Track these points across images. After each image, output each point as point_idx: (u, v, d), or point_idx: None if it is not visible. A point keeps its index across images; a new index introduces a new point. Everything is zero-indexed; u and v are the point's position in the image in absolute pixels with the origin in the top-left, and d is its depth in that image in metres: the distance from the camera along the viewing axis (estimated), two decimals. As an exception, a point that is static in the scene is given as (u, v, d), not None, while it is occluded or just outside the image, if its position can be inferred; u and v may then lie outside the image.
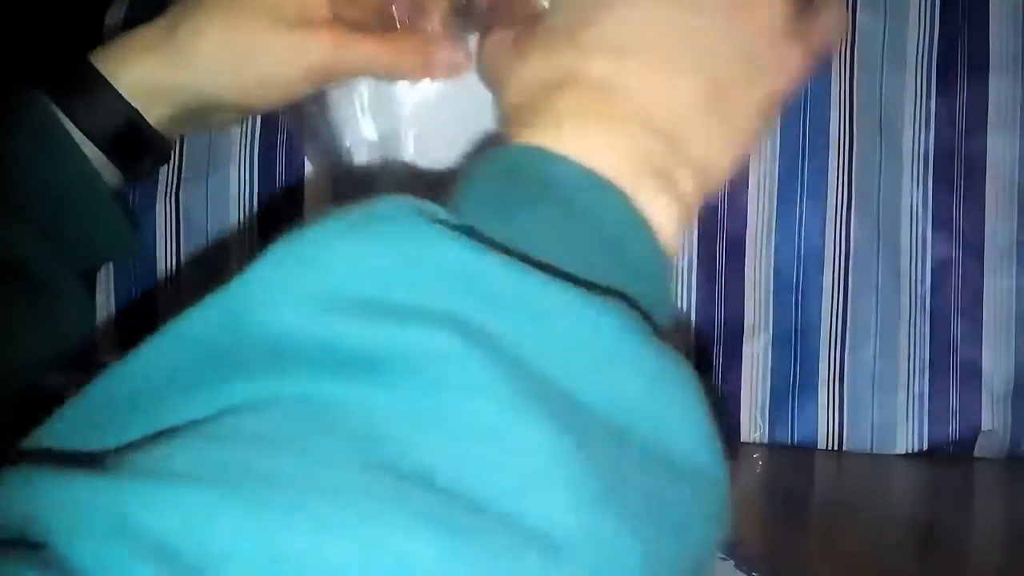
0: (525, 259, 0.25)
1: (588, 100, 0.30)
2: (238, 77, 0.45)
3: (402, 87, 0.46)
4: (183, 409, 0.22)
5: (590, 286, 0.25)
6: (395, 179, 0.47)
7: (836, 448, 0.75)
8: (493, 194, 0.28)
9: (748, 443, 0.76)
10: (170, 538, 0.18)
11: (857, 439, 0.75)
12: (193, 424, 0.21)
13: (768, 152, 0.75)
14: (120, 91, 0.44)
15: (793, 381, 0.76)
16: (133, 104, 0.45)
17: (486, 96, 0.40)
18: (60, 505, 0.18)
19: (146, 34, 0.46)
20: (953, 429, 0.75)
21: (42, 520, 0.18)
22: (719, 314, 0.76)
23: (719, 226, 0.75)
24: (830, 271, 0.75)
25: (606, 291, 0.25)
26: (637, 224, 0.29)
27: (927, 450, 0.75)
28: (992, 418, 0.75)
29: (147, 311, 0.72)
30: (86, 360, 0.22)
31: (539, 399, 0.22)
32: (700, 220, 0.75)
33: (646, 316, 0.27)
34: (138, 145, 0.46)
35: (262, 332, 0.22)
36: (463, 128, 0.45)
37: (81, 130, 0.44)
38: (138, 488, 0.19)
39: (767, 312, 0.76)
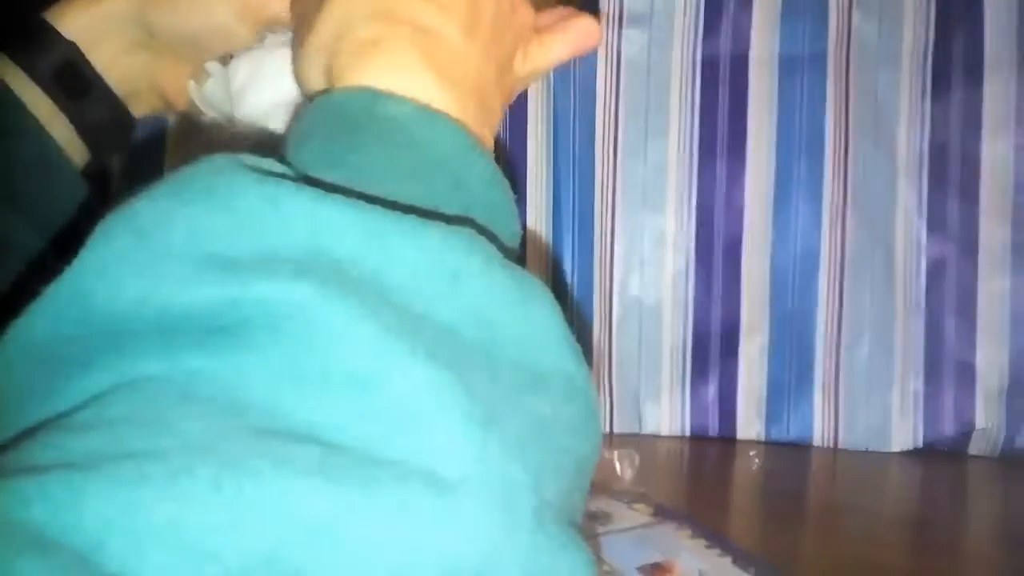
0: (364, 197, 0.24)
1: (402, 38, 0.30)
2: (166, 4, 0.45)
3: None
4: (47, 406, 0.21)
5: (434, 215, 0.25)
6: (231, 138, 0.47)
7: (832, 446, 0.76)
8: (326, 140, 0.28)
9: (745, 441, 0.77)
10: (47, 530, 0.17)
11: (852, 437, 0.76)
12: (59, 417, 0.20)
13: (764, 153, 0.75)
14: (61, 31, 0.45)
15: (789, 380, 0.76)
16: (77, 44, 0.45)
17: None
18: None
19: None
20: (947, 427, 0.76)
21: None
22: (716, 314, 0.76)
23: (716, 227, 0.76)
24: (826, 271, 0.76)
25: (451, 218, 0.25)
26: (472, 149, 0.28)
27: (922, 448, 0.76)
28: (986, 416, 0.75)
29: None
30: None
31: (407, 334, 0.21)
32: (697, 220, 0.76)
33: (494, 238, 0.26)
34: (78, 82, 0.46)
35: (107, 314, 0.21)
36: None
37: (27, 74, 0.45)
38: (8, 485, 0.18)
39: (764, 312, 0.76)
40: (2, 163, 0.45)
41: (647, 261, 0.76)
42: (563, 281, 0.76)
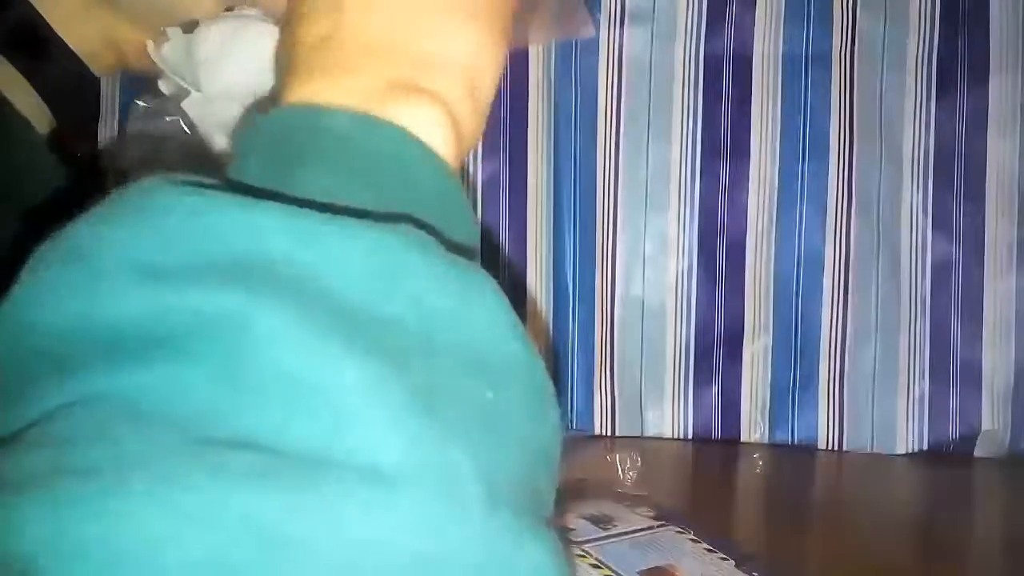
0: (299, 203, 0.24)
1: (339, 50, 0.31)
2: None
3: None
4: None
5: (372, 215, 0.25)
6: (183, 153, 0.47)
7: (836, 448, 0.76)
8: (268, 155, 0.28)
9: (749, 443, 0.76)
10: None
11: (857, 439, 0.75)
12: (2, 439, 0.21)
13: (768, 154, 0.75)
14: None
15: (794, 382, 0.76)
16: (31, 2, 0.45)
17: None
18: None
19: None
20: (953, 429, 0.75)
21: None
22: (720, 315, 0.76)
23: (719, 228, 0.76)
24: (830, 272, 0.75)
25: (392, 217, 0.25)
26: (419, 152, 0.28)
27: (927, 450, 0.75)
28: (992, 418, 0.75)
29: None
30: None
31: (342, 332, 0.21)
32: (700, 221, 0.76)
33: (441, 236, 0.26)
34: (36, 43, 0.46)
35: (48, 337, 0.21)
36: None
37: None
38: None
39: (768, 313, 0.76)
40: None
41: (649, 262, 0.75)
42: (564, 283, 0.76)
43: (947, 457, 0.75)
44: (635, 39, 0.75)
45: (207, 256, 0.22)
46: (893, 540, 0.59)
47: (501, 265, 0.76)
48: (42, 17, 0.45)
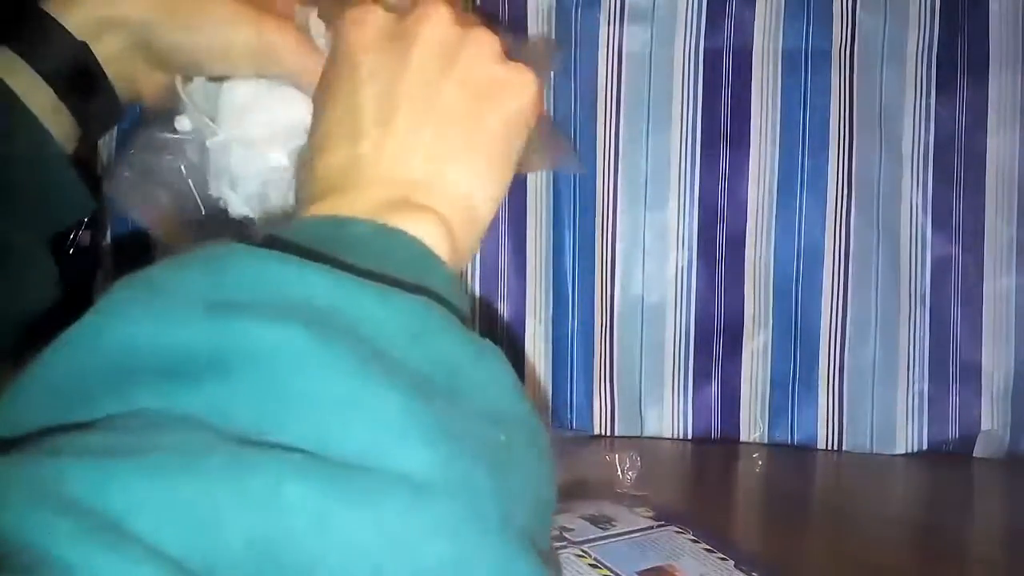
0: (342, 267, 0.29)
1: (355, 176, 0.37)
2: (179, 23, 0.47)
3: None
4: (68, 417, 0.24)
5: (398, 283, 0.30)
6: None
7: (836, 448, 0.75)
8: (303, 253, 0.32)
9: (748, 443, 0.76)
10: (83, 499, 0.20)
11: (857, 439, 0.75)
12: (78, 425, 0.24)
13: (768, 149, 0.75)
14: (68, 28, 0.46)
15: (793, 380, 0.75)
16: (80, 38, 0.46)
17: None
18: None
19: None
20: (953, 428, 0.75)
21: None
22: (719, 311, 0.76)
23: (719, 223, 0.75)
24: (830, 269, 0.75)
25: (411, 288, 0.30)
26: (427, 259, 0.34)
27: (927, 450, 0.75)
28: (992, 417, 0.74)
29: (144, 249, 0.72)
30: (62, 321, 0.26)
31: (381, 367, 0.25)
32: (699, 217, 0.75)
33: (450, 307, 0.31)
34: (87, 81, 0.47)
35: (115, 355, 0.24)
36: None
37: (33, 68, 0.46)
38: (44, 462, 0.21)
39: (767, 309, 0.75)
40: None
41: (649, 257, 0.75)
42: (563, 278, 0.76)
43: (947, 457, 0.75)
44: (635, 35, 0.74)
45: (268, 297, 0.26)
46: (892, 540, 0.59)
47: (500, 271, 0.76)
48: (95, 57, 0.47)
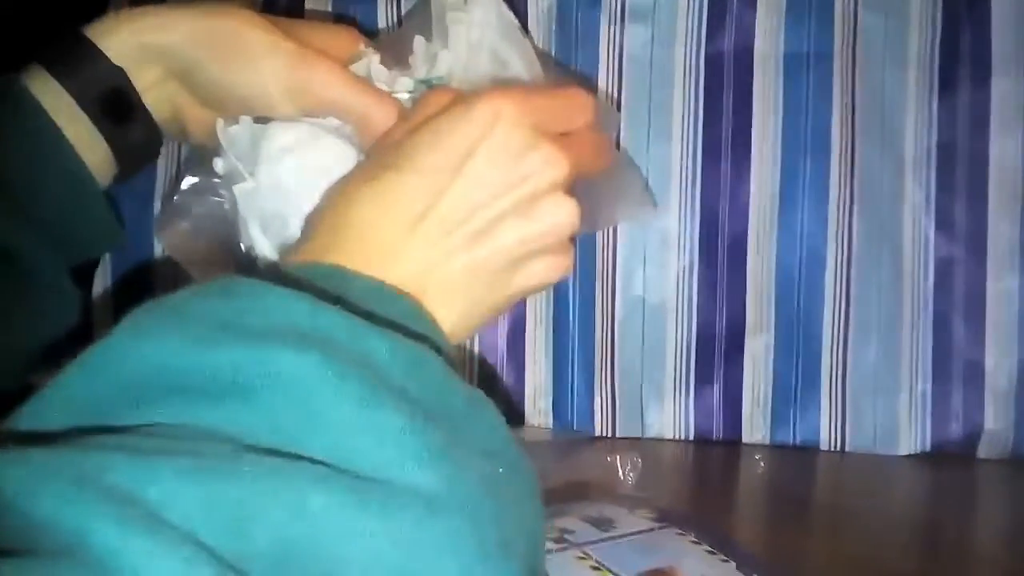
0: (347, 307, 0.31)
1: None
2: (217, 54, 0.46)
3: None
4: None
5: (399, 327, 0.32)
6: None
7: (838, 449, 0.75)
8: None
9: (750, 444, 0.76)
10: (123, 488, 0.22)
11: (859, 440, 0.75)
12: (108, 429, 0.25)
13: (769, 152, 0.75)
14: (107, 53, 0.46)
15: (795, 382, 0.75)
16: (119, 64, 0.46)
17: None
18: (17, 471, 0.22)
19: (138, 8, 0.48)
20: (956, 429, 0.75)
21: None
22: (720, 314, 0.75)
23: (720, 225, 0.75)
24: (832, 271, 0.75)
25: (410, 334, 0.32)
26: (418, 319, 0.36)
27: (930, 451, 0.75)
28: (995, 418, 0.74)
29: (143, 287, 0.72)
30: (78, 348, 0.27)
31: (390, 393, 0.27)
32: (701, 219, 0.75)
33: (447, 359, 0.33)
34: (122, 108, 0.47)
35: (134, 374, 0.26)
36: None
37: (69, 93, 0.45)
38: (86, 454, 0.23)
39: (769, 312, 0.75)
40: (32, 186, 0.46)
41: (650, 261, 0.75)
42: (565, 282, 0.75)
43: (950, 458, 0.74)
44: (635, 37, 0.74)
45: (286, 325, 0.28)
46: (896, 541, 0.59)
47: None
48: (132, 83, 0.47)
